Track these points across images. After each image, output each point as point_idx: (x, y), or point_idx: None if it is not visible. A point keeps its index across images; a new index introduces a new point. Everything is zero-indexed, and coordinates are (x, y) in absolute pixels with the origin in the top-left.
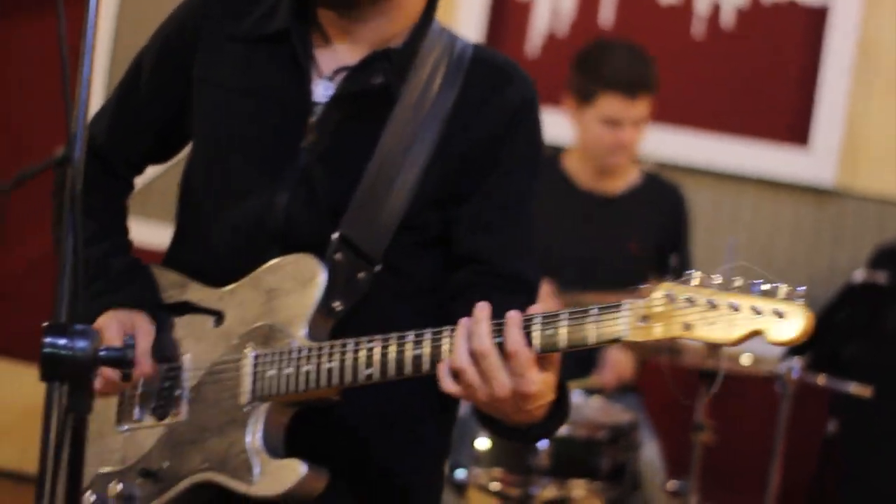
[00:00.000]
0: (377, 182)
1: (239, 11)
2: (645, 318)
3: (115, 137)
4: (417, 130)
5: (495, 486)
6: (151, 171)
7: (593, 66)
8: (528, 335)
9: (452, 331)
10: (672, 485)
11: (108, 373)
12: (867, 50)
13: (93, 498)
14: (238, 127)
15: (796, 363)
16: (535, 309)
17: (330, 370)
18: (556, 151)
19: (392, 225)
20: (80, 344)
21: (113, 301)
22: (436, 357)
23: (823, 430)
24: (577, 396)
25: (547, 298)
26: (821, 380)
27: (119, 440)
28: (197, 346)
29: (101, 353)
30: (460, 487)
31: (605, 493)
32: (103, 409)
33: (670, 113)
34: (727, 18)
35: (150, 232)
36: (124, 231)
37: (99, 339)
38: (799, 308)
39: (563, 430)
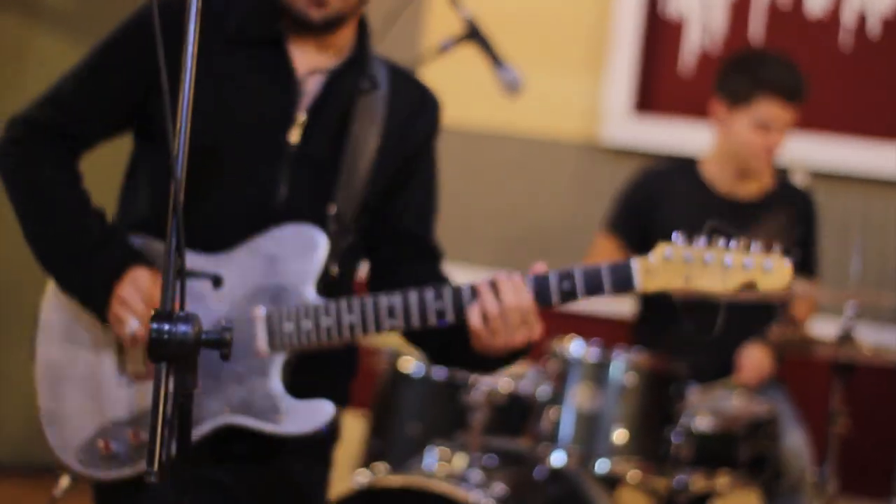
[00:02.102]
0: (351, 170)
1: (211, 15)
2: (648, 271)
3: (75, 117)
4: (370, 125)
5: (634, 476)
6: None
7: (752, 70)
8: (546, 288)
9: (470, 288)
10: (811, 473)
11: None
12: None
13: (113, 445)
14: (230, 121)
15: None
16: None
17: (352, 324)
18: (691, 160)
19: (358, 206)
20: (183, 328)
21: (125, 265)
22: (458, 307)
23: None
24: (720, 392)
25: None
26: None
27: (124, 392)
28: (197, 306)
29: (203, 336)
30: (607, 481)
31: (749, 483)
32: (95, 362)
33: (820, 121)
34: (873, 28)
35: None
36: (89, 199)
37: (199, 324)
38: (782, 261)
39: (704, 424)
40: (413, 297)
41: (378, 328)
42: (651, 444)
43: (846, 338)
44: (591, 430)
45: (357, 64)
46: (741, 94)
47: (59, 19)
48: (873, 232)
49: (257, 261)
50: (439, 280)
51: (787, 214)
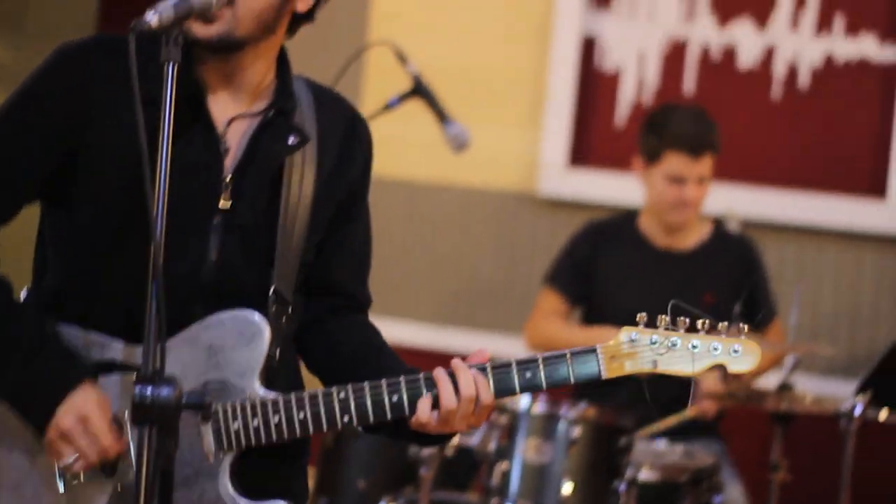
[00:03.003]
0: (288, 233)
1: (126, 73)
2: (614, 357)
3: None
4: (303, 177)
5: None
6: None
7: (659, 128)
8: (510, 380)
9: (426, 378)
10: None
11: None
12: None
13: None
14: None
15: (860, 401)
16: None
17: (303, 420)
18: (632, 213)
19: (295, 269)
20: (166, 392)
21: (70, 376)
22: (413, 400)
23: None
24: (661, 443)
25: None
26: (883, 415)
27: (60, 498)
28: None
29: (184, 400)
30: None
31: None
32: (34, 467)
33: (753, 172)
34: (804, 79)
35: None
36: (9, 288)
37: (181, 387)
38: (751, 344)
39: (648, 475)
40: (367, 393)
41: (330, 426)
42: (598, 497)
43: (785, 388)
44: (539, 484)
45: (280, 111)
46: (652, 152)
47: None
48: (806, 282)
49: (197, 352)
50: (369, 334)
51: (728, 264)
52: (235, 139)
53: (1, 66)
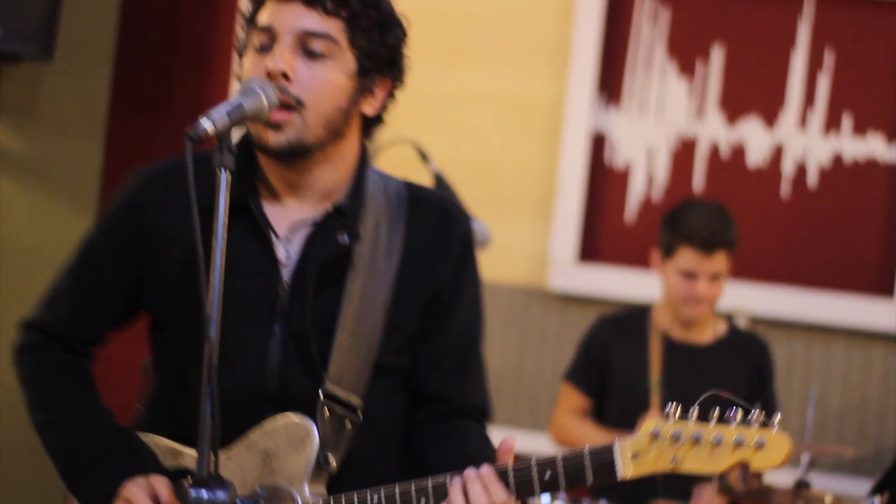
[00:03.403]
0: (350, 335)
1: (187, 185)
2: (635, 455)
3: (74, 322)
4: (376, 278)
5: None
6: None
7: (675, 222)
8: (526, 479)
9: (450, 478)
10: None
11: None
12: None
13: None
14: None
15: (877, 501)
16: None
17: None
18: (646, 307)
19: (367, 373)
20: (220, 496)
21: (126, 475)
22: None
23: None
24: None
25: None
26: None
27: None
28: None
29: (238, 502)
30: None
31: None
32: None
33: (762, 269)
34: (812, 178)
35: None
36: (104, 406)
37: (234, 493)
38: (779, 437)
39: None
40: (397, 496)
41: None
42: None
43: (803, 485)
44: None
45: (337, 212)
46: (668, 246)
47: (5, 158)
48: (814, 379)
49: (254, 457)
50: (458, 441)
51: (742, 362)
52: (297, 245)
53: (11, 155)
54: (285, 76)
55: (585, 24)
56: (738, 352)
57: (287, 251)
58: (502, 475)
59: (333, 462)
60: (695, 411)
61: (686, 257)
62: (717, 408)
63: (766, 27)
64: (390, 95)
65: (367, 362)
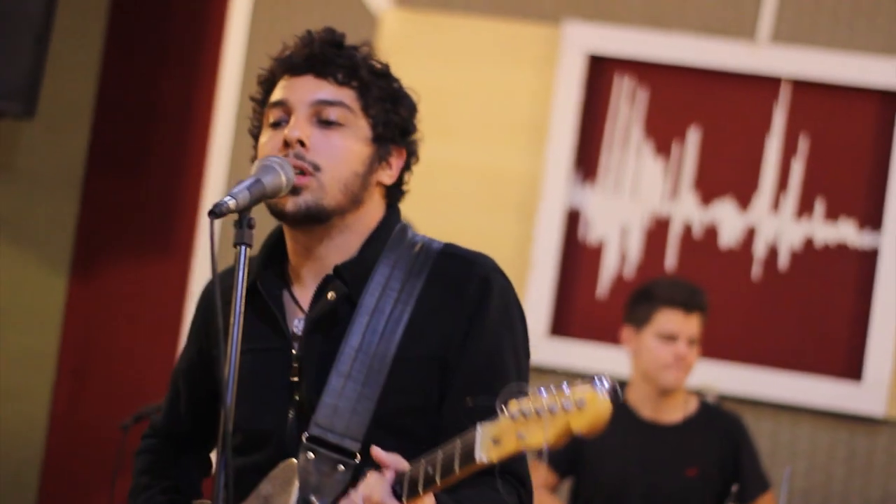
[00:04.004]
0: (345, 379)
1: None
2: (496, 440)
3: (172, 423)
4: (384, 328)
5: None
6: None
7: (649, 293)
8: (414, 477)
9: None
10: None
11: None
12: None
13: None
14: (243, 383)
15: None
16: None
17: None
18: (619, 385)
19: (365, 422)
20: None
21: None
22: None
23: None
24: None
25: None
26: None
27: None
28: None
29: None
30: None
31: None
32: None
33: (732, 349)
34: (783, 260)
35: None
36: (175, 479)
37: None
38: (593, 395)
39: None
40: None
41: None
42: None
43: None
44: None
45: (340, 274)
46: (643, 316)
47: None
48: (779, 458)
49: (258, 503)
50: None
51: (714, 439)
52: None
53: None
54: (302, 143)
55: (564, 101)
56: (709, 429)
57: (299, 324)
58: (398, 478)
59: (318, 502)
60: (546, 390)
61: (667, 319)
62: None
63: (742, 111)
64: (407, 167)
65: (364, 410)
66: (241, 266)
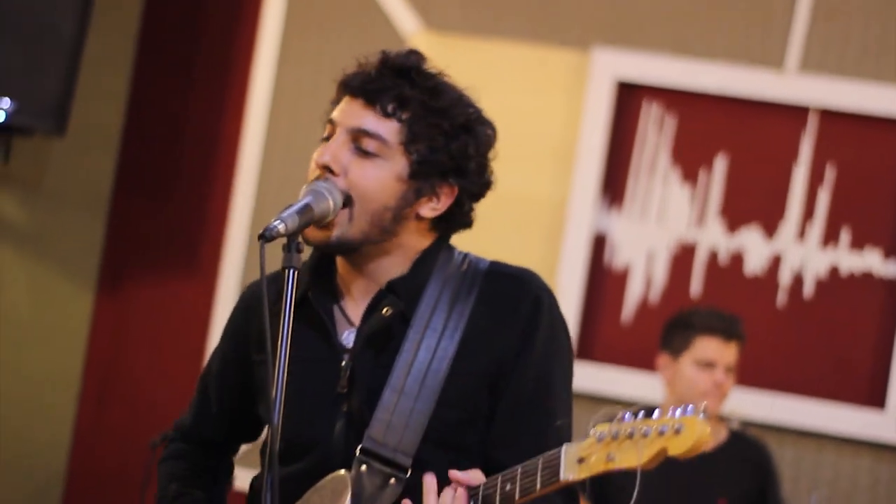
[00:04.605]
0: (398, 395)
1: (278, 290)
2: (581, 459)
3: (198, 426)
4: (437, 345)
5: None
6: None
7: (687, 320)
8: (490, 493)
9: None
10: None
11: None
12: None
13: None
14: (290, 392)
15: None
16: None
17: None
18: (651, 408)
19: (417, 437)
20: None
21: None
22: None
23: None
24: None
25: None
26: None
27: None
28: None
29: None
30: None
31: None
32: None
33: (756, 376)
34: (808, 288)
35: None
36: (205, 488)
37: None
38: (695, 421)
39: None
40: None
41: None
42: None
43: None
44: None
45: (394, 289)
46: (681, 343)
47: (8, 229)
48: (801, 485)
49: None
50: None
51: (744, 469)
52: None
53: (15, 226)
54: (331, 170)
55: (592, 127)
56: (740, 458)
57: (350, 336)
58: (472, 493)
59: None
60: (636, 414)
61: (705, 346)
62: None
63: (769, 139)
64: (471, 199)
65: (417, 425)
66: (290, 289)
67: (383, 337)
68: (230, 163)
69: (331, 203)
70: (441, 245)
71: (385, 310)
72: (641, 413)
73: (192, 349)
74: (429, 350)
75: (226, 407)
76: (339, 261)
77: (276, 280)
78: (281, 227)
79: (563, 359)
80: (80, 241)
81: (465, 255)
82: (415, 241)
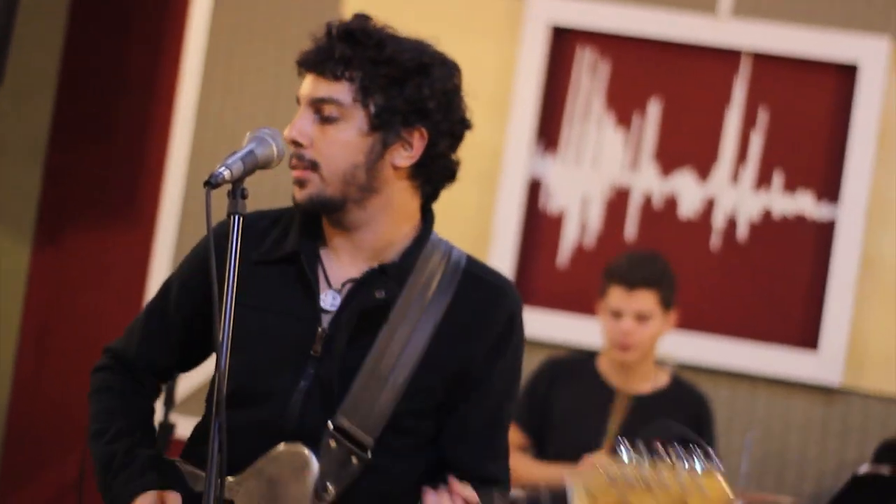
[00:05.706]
0: (371, 377)
1: (255, 238)
2: (592, 495)
3: (144, 352)
4: (411, 335)
5: None
6: None
7: (607, 269)
8: None
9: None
10: None
11: None
12: (870, 261)
13: None
14: (257, 340)
15: None
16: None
17: None
18: (591, 354)
19: (382, 419)
20: None
21: (144, 485)
22: None
23: None
24: None
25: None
26: None
27: None
28: None
29: None
30: None
31: None
32: None
33: (690, 319)
34: (742, 231)
35: None
36: (150, 429)
37: None
38: (718, 485)
39: None
40: None
41: None
42: None
43: None
44: None
45: (385, 272)
46: (601, 291)
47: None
48: (737, 426)
49: (261, 484)
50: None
51: (681, 414)
52: (343, 296)
53: None
54: (298, 144)
55: (526, 72)
56: (677, 405)
57: (333, 301)
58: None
59: (332, 491)
60: (646, 455)
61: (613, 295)
62: (669, 450)
63: (702, 83)
64: (446, 139)
65: (383, 408)
66: (235, 235)
67: (367, 315)
68: (167, 111)
69: (274, 148)
70: (429, 228)
71: (378, 292)
72: (656, 456)
73: (131, 296)
74: (402, 340)
75: (171, 338)
76: (326, 224)
77: (250, 227)
78: (226, 174)
79: (521, 368)
80: (17, 191)
81: (443, 244)
82: (399, 197)
